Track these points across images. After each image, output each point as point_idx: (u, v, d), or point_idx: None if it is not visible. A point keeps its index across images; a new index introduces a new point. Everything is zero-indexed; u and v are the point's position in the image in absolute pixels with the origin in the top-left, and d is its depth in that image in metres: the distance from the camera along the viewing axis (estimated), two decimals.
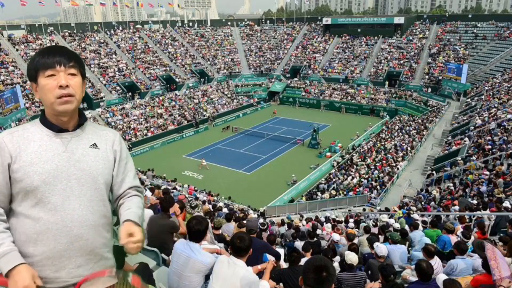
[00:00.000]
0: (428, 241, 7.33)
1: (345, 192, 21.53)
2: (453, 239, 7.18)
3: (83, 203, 1.68)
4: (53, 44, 39.78)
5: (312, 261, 2.09)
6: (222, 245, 5.39)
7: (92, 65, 39.92)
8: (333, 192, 21.75)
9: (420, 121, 32.75)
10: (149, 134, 34.92)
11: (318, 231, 10.27)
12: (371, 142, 30.80)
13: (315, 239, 8.57)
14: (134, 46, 46.18)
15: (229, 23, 62.18)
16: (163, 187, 12.68)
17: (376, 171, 22.94)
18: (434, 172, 19.43)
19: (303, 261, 4.99)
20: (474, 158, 17.23)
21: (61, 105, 1.66)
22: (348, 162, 27.09)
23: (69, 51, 1.74)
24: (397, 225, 9.25)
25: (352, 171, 24.53)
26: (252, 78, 51.11)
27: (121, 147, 1.90)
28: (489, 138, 18.71)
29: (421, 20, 51.92)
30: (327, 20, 55.00)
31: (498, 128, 19.61)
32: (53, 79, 1.65)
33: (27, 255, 1.63)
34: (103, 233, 1.78)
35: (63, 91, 1.64)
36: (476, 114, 25.13)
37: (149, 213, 5.03)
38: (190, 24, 58.09)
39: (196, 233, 3.51)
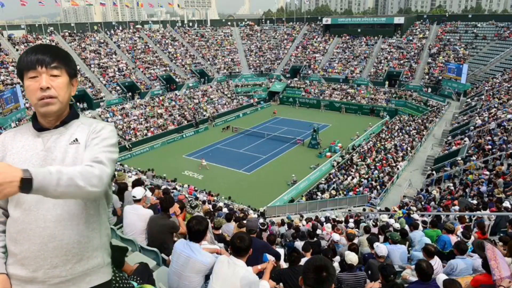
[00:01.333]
0: (428, 241, 7.33)
1: (345, 192, 21.52)
2: (453, 239, 7.18)
3: (58, 203, 1.64)
4: (53, 44, 39.80)
5: (312, 261, 2.09)
6: (222, 245, 5.39)
7: (92, 65, 39.92)
8: (333, 192, 21.74)
9: (420, 121, 32.74)
10: (149, 134, 34.92)
11: (318, 231, 10.27)
12: (371, 142, 30.80)
13: (315, 239, 8.58)
14: (134, 46, 46.17)
15: (229, 23, 62.18)
16: (163, 187, 12.69)
17: (376, 171, 22.93)
18: (434, 172, 19.42)
19: (303, 261, 4.99)
20: (474, 158, 17.22)
21: (42, 107, 1.65)
22: (348, 162, 27.08)
23: (54, 50, 1.69)
24: (397, 225, 9.24)
25: (352, 171, 24.53)
26: (252, 78, 51.11)
27: (99, 130, 1.72)
28: (489, 138, 18.70)
29: (421, 20, 51.92)
30: (327, 20, 55.00)
31: (498, 128, 19.60)
32: (35, 81, 1.63)
33: (11, 253, 1.68)
34: (84, 232, 1.70)
35: (44, 93, 1.62)
36: (476, 114, 25.12)
37: (149, 213, 5.03)
38: (190, 24, 58.09)
39: (196, 233, 3.51)
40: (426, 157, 23.16)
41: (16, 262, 1.67)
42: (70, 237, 1.67)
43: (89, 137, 1.72)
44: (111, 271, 1.93)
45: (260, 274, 4.07)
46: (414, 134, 28.87)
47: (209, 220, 5.28)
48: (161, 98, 40.68)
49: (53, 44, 40.00)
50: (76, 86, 1.79)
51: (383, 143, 29.19)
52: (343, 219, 14.08)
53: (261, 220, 9.66)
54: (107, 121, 34.06)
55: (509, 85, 28.58)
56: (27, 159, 1.66)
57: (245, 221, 7.86)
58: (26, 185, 1.34)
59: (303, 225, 12.30)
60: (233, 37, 57.35)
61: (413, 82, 42.04)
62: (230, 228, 7.86)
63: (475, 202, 11.65)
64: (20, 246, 1.64)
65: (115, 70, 40.97)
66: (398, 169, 22.13)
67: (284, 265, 5.71)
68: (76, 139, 1.73)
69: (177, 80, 44.35)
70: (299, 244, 8.21)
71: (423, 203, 15.42)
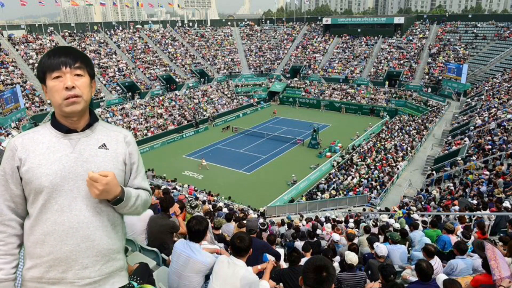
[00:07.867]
0: (428, 241, 7.33)
1: (345, 192, 21.52)
2: (453, 239, 7.17)
3: (90, 204, 1.69)
4: (53, 44, 39.84)
5: (312, 261, 2.09)
6: (222, 245, 5.39)
7: None
8: (333, 192, 21.74)
9: (420, 121, 32.75)
10: (149, 134, 34.91)
11: (318, 231, 10.27)
12: (371, 142, 30.80)
13: (315, 239, 8.57)
14: (134, 46, 46.17)
15: (229, 23, 62.16)
16: (163, 187, 12.67)
17: (376, 171, 22.94)
18: (434, 172, 19.42)
19: (303, 261, 4.99)
20: (474, 158, 17.22)
21: (68, 106, 1.67)
22: (348, 162, 27.08)
23: (76, 51, 1.74)
24: (397, 225, 9.24)
25: (352, 171, 24.53)
26: (252, 78, 51.11)
27: (132, 149, 1.88)
28: (489, 138, 18.70)
29: (421, 20, 51.91)
30: (327, 20, 55.00)
31: (498, 128, 19.61)
32: (59, 81, 1.66)
33: (35, 256, 1.67)
34: (111, 234, 1.77)
35: (70, 92, 1.65)
36: (476, 114, 25.12)
37: (149, 213, 5.03)
38: (190, 24, 58.09)
39: (196, 233, 3.51)
40: (426, 157, 23.16)
41: (42, 264, 1.66)
42: (101, 238, 1.71)
43: (123, 152, 1.84)
44: (128, 275, 1.97)
45: (260, 274, 4.06)
46: (414, 134, 28.87)
47: (209, 220, 5.28)
48: (161, 98, 40.68)
49: (54, 44, 39.64)
50: (95, 87, 1.83)
51: (383, 143, 29.18)
52: (343, 219, 14.08)
53: (261, 220, 9.65)
54: (107, 121, 34.06)
55: (509, 85, 28.59)
56: (56, 160, 1.67)
57: (245, 221, 7.86)
58: (121, 196, 1.70)
59: (303, 225, 12.30)
60: (233, 37, 57.35)
61: (413, 82, 42.04)
62: (230, 228, 7.86)
63: (475, 202, 11.64)
64: (50, 247, 1.64)
65: (115, 70, 40.97)
66: (398, 169, 22.13)
67: (284, 265, 5.71)
68: (104, 145, 1.79)
69: (177, 80, 44.34)
70: (299, 244, 8.21)
71: (423, 203, 15.42)
